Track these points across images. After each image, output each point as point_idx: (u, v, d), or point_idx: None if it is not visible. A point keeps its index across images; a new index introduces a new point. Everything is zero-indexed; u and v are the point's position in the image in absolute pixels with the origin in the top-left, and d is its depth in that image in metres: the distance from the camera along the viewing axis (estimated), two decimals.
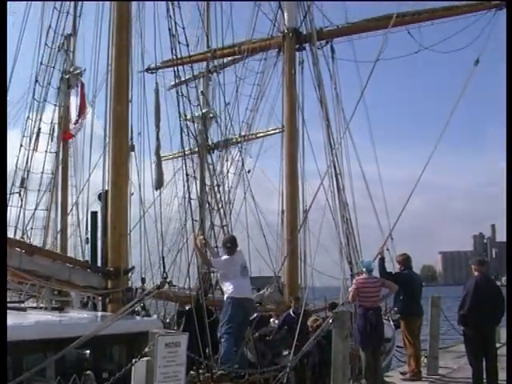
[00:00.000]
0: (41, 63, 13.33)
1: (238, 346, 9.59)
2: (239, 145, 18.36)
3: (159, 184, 10.69)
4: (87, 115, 18.30)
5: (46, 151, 16.33)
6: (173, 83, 11.68)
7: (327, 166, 15.86)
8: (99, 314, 9.40)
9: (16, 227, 13.84)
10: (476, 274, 9.58)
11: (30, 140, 15.16)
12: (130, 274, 9.68)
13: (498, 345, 10.84)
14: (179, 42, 10.58)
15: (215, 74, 19.99)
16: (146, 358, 6.15)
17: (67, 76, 20.16)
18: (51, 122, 17.81)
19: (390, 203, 17.04)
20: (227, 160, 18.34)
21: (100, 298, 9.93)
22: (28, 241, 12.10)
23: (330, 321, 9.08)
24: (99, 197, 10.27)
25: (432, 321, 11.69)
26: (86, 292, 9.67)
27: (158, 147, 10.62)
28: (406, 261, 11.23)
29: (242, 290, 9.61)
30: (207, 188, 13.59)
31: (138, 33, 10.94)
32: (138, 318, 8.99)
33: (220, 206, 12.39)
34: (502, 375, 9.16)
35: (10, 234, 11.85)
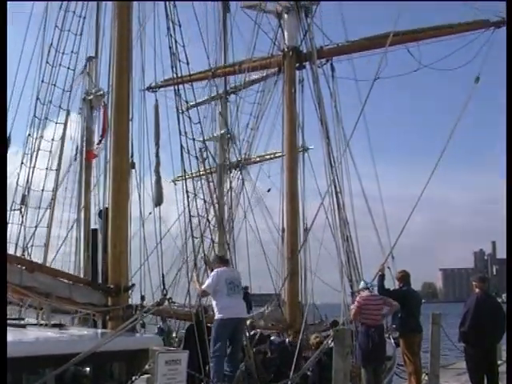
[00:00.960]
0: (42, 81, 13.47)
1: (234, 366, 9.53)
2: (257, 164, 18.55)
3: (159, 201, 10.74)
4: None
5: (46, 168, 16.42)
6: (192, 103, 11.75)
7: (327, 184, 15.91)
8: (99, 330, 9.38)
9: (16, 244, 13.86)
10: (477, 290, 9.59)
11: (31, 157, 15.26)
12: (130, 292, 9.69)
13: (498, 362, 10.79)
14: (179, 60, 10.59)
15: (232, 95, 19.82)
16: (146, 376, 6.14)
17: (90, 97, 20.40)
18: (52, 140, 17.95)
19: (390, 220, 17.09)
20: (244, 180, 18.45)
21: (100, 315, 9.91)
22: (28, 258, 12.10)
23: (330, 340, 9.03)
24: (99, 214, 10.31)
25: (432, 338, 11.64)
26: (86, 309, 9.64)
27: (158, 164, 10.68)
28: (404, 277, 11.23)
29: (226, 311, 9.31)
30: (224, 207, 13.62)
31: (138, 52, 11.03)
32: (138, 335, 8.97)
33: (231, 225, 12.41)
34: None
35: (11, 251, 11.83)
